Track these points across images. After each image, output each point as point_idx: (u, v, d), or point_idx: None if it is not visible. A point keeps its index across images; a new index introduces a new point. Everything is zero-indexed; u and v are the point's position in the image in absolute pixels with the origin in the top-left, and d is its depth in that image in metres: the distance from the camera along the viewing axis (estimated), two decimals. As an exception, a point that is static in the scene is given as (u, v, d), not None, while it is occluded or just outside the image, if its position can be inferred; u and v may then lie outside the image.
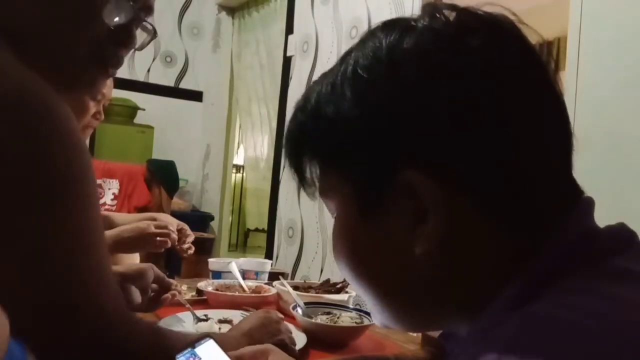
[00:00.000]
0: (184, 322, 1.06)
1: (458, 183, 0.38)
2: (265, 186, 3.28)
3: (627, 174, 1.28)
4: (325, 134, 0.43)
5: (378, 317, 0.47)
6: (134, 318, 0.62)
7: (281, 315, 0.95)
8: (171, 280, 1.05)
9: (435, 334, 0.89)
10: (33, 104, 0.53)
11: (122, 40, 0.70)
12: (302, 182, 0.47)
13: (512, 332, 0.32)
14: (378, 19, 2.38)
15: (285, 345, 0.85)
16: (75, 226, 0.56)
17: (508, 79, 0.39)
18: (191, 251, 1.38)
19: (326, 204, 0.47)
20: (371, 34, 0.44)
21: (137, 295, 0.97)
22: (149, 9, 0.73)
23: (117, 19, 0.68)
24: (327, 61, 2.66)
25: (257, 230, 3.75)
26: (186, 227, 1.39)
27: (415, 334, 1.10)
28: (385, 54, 0.40)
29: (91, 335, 0.57)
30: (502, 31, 0.41)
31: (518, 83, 0.39)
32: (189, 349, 0.60)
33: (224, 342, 0.70)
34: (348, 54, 0.45)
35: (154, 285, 1.01)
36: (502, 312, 0.36)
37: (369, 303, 0.46)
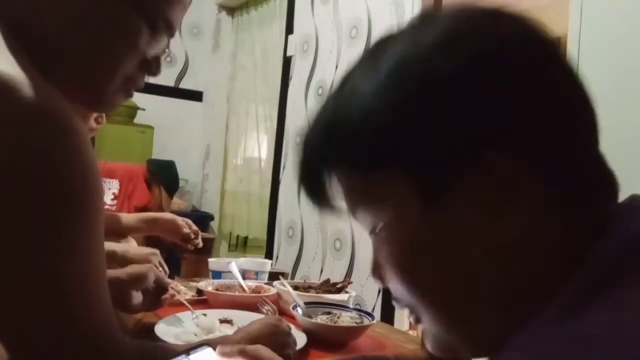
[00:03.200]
0: (184, 322, 1.07)
1: (534, 168, 0.35)
2: (255, 190, 3.28)
3: (627, 174, 1.28)
4: (366, 134, 0.38)
5: (438, 345, 0.42)
6: (123, 341, 0.62)
7: (292, 326, 0.93)
8: (169, 281, 1.06)
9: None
10: (53, 123, 0.53)
11: (152, 70, 0.72)
12: (322, 197, 0.42)
13: (557, 351, 0.29)
14: (378, 19, 2.40)
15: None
16: (87, 244, 0.57)
17: (560, 68, 0.38)
18: (200, 244, 1.43)
19: (362, 217, 0.42)
20: (423, 20, 0.41)
21: (138, 297, 0.98)
22: (173, 35, 0.74)
23: (154, 51, 0.71)
24: (327, 61, 2.66)
25: (247, 238, 3.58)
26: (189, 221, 1.43)
27: (413, 333, 1.10)
28: (442, 37, 0.37)
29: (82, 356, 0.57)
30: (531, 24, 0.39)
31: (566, 73, 0.38)
32: (184, 356, 0.59)
33: (226, 342, 0.70)
34: (385, 41, 0.41)
35: (153, 286, 1.02)
36: (547, 326, 0.33)
37: (427, 320, 0.41)
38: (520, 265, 0.37)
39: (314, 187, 0.43)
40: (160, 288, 1.02)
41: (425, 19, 0.41)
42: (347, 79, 0.41)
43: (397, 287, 0.41)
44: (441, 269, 0.38)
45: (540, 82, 0.37)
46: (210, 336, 0.96)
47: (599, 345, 0.28)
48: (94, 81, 0.68)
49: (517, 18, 0.39)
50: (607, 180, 0.39)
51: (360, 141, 0.38)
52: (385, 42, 0.41)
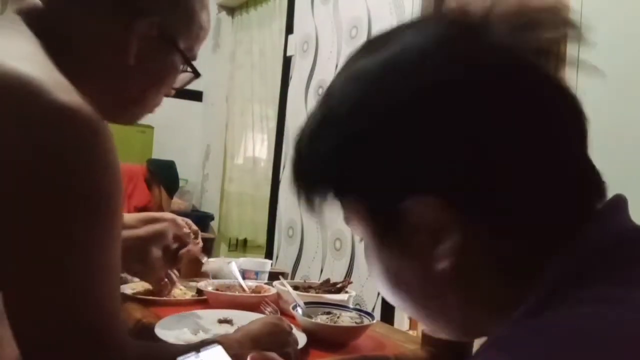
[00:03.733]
0: (184, 322, 1.06)
1: (470, 202, 0.38)
2: (254, 190, 3.28)
3: (627, 174, 1.28)
4: (333, 161, 0.42)
5: (424, 324, 0.49)
6: (127, 341, 0.63)
7: (292, 325, 0.93)
8: (187, 232, 1.09)
9: (435, 334, 0.89)
10: (87, 125, 0.57)
11: (175, 92, 0.81)
12: (311, 208, 0.48)
13: (526, 343, 0.32)
14: (378, 19, 2.40)
15: (290, 358, 0.83)
16: (106, 240, 0.59)
17: (512, 95, 0.38)
18: (200, 243, 1.42)
19: (352, 229, 0.48)
20: (361, 54, 0.43)
21: (157, 254, 1.02)
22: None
23: (183, 84, 0.81)
24: (327, 61, 2.66)
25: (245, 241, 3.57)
26: (189, 221, 1.42)
27: (413, 333, 1.10)
28: (386, 72, 0.40)
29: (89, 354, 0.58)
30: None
31: (522, 93, 0.39)
32: (194, 353, 0.59)
33: (226, 343, 0.70)
34: (347, 67, 0.44)
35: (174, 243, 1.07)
36: (522, 321, 0.36)
37: (418, 318, 0.47)
38: (471, 284, 0.41)
39: (303, 197, 0.48)
40: (181, 244, 1.06)
41: (376, 41, 0.43)
42: (325, 99, 0.45)
43: (378, 286, 0.47)
44: (403, 281, 0.44)
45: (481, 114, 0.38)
46: (211, 335, 0.96)
47: (569, 341, 0.31)
48: (124, 103, 0.75)
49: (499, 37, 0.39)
50: (588, 182, 0.40)
51: (328, 168, 0.43)
52: (346, 68, 0.44)
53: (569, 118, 0.40)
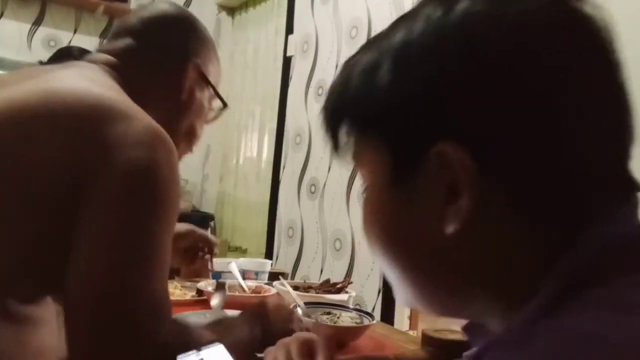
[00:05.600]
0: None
1: (495, 165, 0.37)
2: (254, 191, 3.28)
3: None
4: (367, 98, 0.41)
5: (404, 296, 0.45)
6: (169, 320, 0.70)
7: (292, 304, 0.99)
8: (209, 238, 1.23)
9: (435, 333, 0.89)
10: (166, 140, 0.70)
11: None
12: (336, 146, 0.46)
13: (544, 350, 0.31)
14: (378, 19, 2.40)
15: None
16: (167, 235, 0.69)
17: (565, 62, 0.37)
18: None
19: (359, 171, 0.46)
20: (422, 5, 0.42)
21: (177, 255, 1.19)
22: None
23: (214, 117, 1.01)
24: (327, 61, 2.66)
25: (238, 249, 3.45)
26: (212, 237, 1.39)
27: (413, 333, 1.10)
28: (435, 25, 0.39)
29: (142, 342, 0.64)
30: (563, 11, 0.38)
31: (576, 67, 0.37)
32: (194, 352, 0.60)
33: (235, 322, 0.80)
34: (397, 23, 0.43)
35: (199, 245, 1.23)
36: (534, 320, 0.34)
37: (395, 280, 0.45)
38: (479, 253, 0.38)
39: (332, 132, 0.46)
40: (203, 247, 1.21)
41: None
42: (371, 44, 0.44)
43: (368, 239, 0.45)
44: (403, 240, 0.42)
45: (526, 91, 0.36)
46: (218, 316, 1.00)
47: (587, 344, 0.29)
48: (177, 138, 0.87)
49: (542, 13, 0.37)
50: (614, 183, 0.38)
51: (359, 103, 0.42)
52: (397, 23, 0.43)
53: (617, 112, 0.39)
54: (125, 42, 0.88)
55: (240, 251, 3.42)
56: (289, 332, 0.83)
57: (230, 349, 0.72)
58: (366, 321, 1.10)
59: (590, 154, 0.37)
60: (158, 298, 0.67)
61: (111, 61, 0.85)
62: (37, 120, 0.67)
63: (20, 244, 0.64)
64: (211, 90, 0.96)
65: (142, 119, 0.69)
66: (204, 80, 0.94)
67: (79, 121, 0.67)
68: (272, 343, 0.75)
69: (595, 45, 0.38)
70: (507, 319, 0.39)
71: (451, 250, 0.39)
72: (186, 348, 0.64)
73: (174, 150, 0.71)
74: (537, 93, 0.36)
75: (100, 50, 0.88)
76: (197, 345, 0.66)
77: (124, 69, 0.84)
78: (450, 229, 0.38)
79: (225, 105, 1.00)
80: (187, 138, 0.95)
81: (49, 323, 0.67)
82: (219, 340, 0.71)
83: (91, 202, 0.64)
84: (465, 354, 0.47)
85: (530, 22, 0.37)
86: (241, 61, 3.71)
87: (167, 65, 0.89)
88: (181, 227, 1.17)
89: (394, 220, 0.42)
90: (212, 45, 0.97)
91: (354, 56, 0.45)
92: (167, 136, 0.70)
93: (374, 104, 0.41)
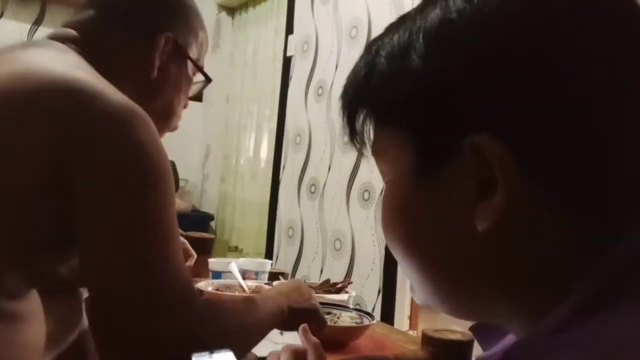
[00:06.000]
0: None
1: (532, 161, 0.34)
2: (254, 191, 3.28)
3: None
4: (393, 84, 0.39)
5: (422, 296, 0.43)
6: (197, 301, 0.67)
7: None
8: (192, 253, 1.21)
9: (435, 334, 0.89)
10: (140, 115, 0.66)
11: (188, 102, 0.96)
12: (353, 138, 0.43)
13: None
14: (378, 19, 2.40)
15: (317, 310, 0.89)
16: (166, 208, 0.66)
17: (616, 53, 0.34)
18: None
19: (378, 165, 0.43)
20: None
21: None
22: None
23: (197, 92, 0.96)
24: (327, 61, 2.66)
25: (238, 249, 3.42)
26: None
27: (413, 333, 1.10)
28: (474, 6, 0.36)
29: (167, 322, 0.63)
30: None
31: (627, 60, 0.35)
32: (207, 353, 0.60)
33: (263, 301, 0.79)
34: (425, 6, 0.40)
35: None
36: (565, 325, 0.32)
37: (414, 279, 0.42)
38: (508, 253, 0.36)
39: (349, 124, 0.43)
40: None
41: None
42: (398, 26, 0.41)
43: (387, 237, 0.43)
44: (425, 238, 0.40)
45: (570, 84, 0.34)
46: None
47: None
48: (154, 116, 0.81)
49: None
50: None
51: (384, 92, 0.39)
52: (424, 6, 0.40)
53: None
54: (88, 14, 0.82)
55: (240, 251, 3.42)
56: (312, 309, 0.88)
57: (261, 324, 0.75)
58: (366, 321, 1.10)
59: (629, 157, 0.35)
60: (182, 283, 0.65)
61: (73, 36, 0.79)
62: (5, 107, 0.64)
63: (1, 237, 0.62)
64: (192, 64, 0.90)
65: (112, 96, 0.65)
66: (182, 54, 0.87)
67: (49, 104, 0.63)
68: (298, 319, 0.76)
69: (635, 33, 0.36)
70: (532, 323, 0.36)
71: (477, 250, 0.37)
72: (216, 336, 0.65)
73: (151, 123, 0.67)
74: (578, 87, 0.34)
75: (64, 25, 0.82)
76: (226, 334, 0.67)
77: (87, 44, 0.78)
78: (481, 226, 0.35)
79: (208, 79, 0.95)
80: (164, 116, 0.90)
81: (35, 318, 0.66)
82: (252, 315, 0.72)
83: (81, 194, 0.62)
84: (480, 356, 0.45)
85: (575, 8, 0.35)
86: (241, 61, 3.71)
87: (133, 40, 0.83)
88: None
89: (416, 217, 0.40)
90: (193, 14, 0.90)
91: (379, 38, 0.42)
92: (142, 111, 0.67)
93: (400, 91, 0.38)
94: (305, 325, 0.70)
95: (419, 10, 0.40)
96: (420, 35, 0.38)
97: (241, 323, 0.72)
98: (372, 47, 0.42)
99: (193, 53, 0.90)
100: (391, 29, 0.41)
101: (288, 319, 0.81)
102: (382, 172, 0.43)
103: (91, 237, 0.63)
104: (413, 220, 0.40)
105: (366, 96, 0.41)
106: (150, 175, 0.65)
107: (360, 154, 0.44)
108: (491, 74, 0.35)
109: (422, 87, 0.37)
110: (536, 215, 0.35)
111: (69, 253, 0.68)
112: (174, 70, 0.87)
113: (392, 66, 0.39)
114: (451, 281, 0.40)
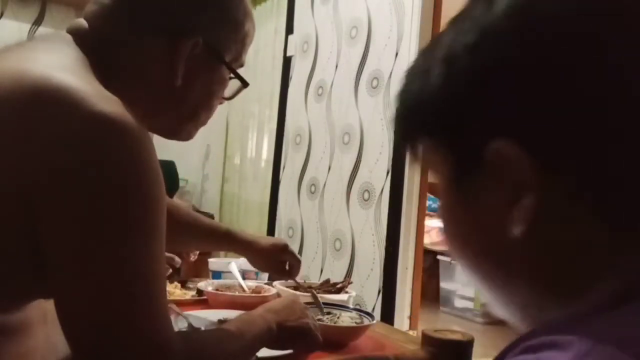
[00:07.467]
0: (189, 321, 1.06)
1: (556, 159, 0.35)
2: (254, 190, 3.28)
3: None
4: (428, 105, 0.41)
5: (499, 311, 0.43)
6: (178, 338, 0.62)
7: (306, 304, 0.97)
8: (177, 260, 1.15)
9: (435, 334, 0.89)
10: (128, 131, 0.57)
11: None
12: (415, 154, 0.45)
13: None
14: (378, 19, 2.40)
15: (310, 330, 0.87)
16: (155, 248, 0.60)
17: (625, 57, 0.35)
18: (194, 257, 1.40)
19: (433, 175, 0.45)
20: (470, 6, 0.40)
21: None
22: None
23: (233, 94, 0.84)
24: (327, 61, 2.66)
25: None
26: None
27: (413, 333, 1.09)
28: (480, 23, 0.38)
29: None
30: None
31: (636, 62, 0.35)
32: None
33: (250, 321, 0.76)
34: (447, 27, 0.41)
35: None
36: (585, 319, 0.33)
37: (485, 294, 0.43)
38: (543, 253, 0.37)
39: (410, 145, 0.45)
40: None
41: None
42: (435, 46, 0.42)
43: (447, 246, 0.44)
44: (475, 245, 0.41)
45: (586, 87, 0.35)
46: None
47: None
48: (179, 122, 0.79)
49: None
50: None
51: (423, 110, 0.41)
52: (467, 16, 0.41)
53: None
54: (104, 3, 0.71)
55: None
56: (304, 327, 0.85)
57: (247, 349, 0.72)
58: (366, 321, 1.10)
59: None
60: (159, 332, 0.59)
61: (83, 30, 0.70)
62: None
63: None
64: (227, 68, 0.77)
65: (92, 106, 0.55)
66: (216, 58, 0.74)
67: (18, 110, 0.56)
68: (288, 337, 0.75)
69: None
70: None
71: (516, 255, 0.38)
72: None
73: (141, 139, 0.58)
74: (594, 88, 0.34)
75: (84, 14, 0.72)
76: None
77: (94, 40, 0.68)
78: (516, 230, 0.36)
79: (245, 84, 0.81)
80: (193, 118, 0.79)
81: (36, 326, 0.63)
82: (236, 342, 0.69)
83: (51, 221, 0.55)
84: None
85: (590, 13, 0.35)
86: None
87: (152, 39, 0.70)
88: None
89: (463, 226, 0.42)
90: (235, 3, 0.75)
91: (412, 63, 0.44)
92: (130, 124, 0.57)
93: (432, 111, 0.40)
94: None
95: (439, 36, 0.42)
96: (439, 57, 0.40)
97: (225, 356, 0.69)
98: (413, 68, 0.44)
99: (231, 52, 0.76)
100: (420, 54, 0.44)
101: (278, 337, 0.80)
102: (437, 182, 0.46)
103: (62, 289, 0.57)
104: (460, 228, 0.42)
105: (413, 116, 0.43)
106: (130, 214, 0.57)
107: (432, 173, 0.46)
108: (501, 82, 0.36)
109: (444, 98, 0.39)
110: (565, 214, 0.36)
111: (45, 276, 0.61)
112: (207, 75, 0.75)
113: (421, 82, 0.41)
114: (502, 290, 0.41)
